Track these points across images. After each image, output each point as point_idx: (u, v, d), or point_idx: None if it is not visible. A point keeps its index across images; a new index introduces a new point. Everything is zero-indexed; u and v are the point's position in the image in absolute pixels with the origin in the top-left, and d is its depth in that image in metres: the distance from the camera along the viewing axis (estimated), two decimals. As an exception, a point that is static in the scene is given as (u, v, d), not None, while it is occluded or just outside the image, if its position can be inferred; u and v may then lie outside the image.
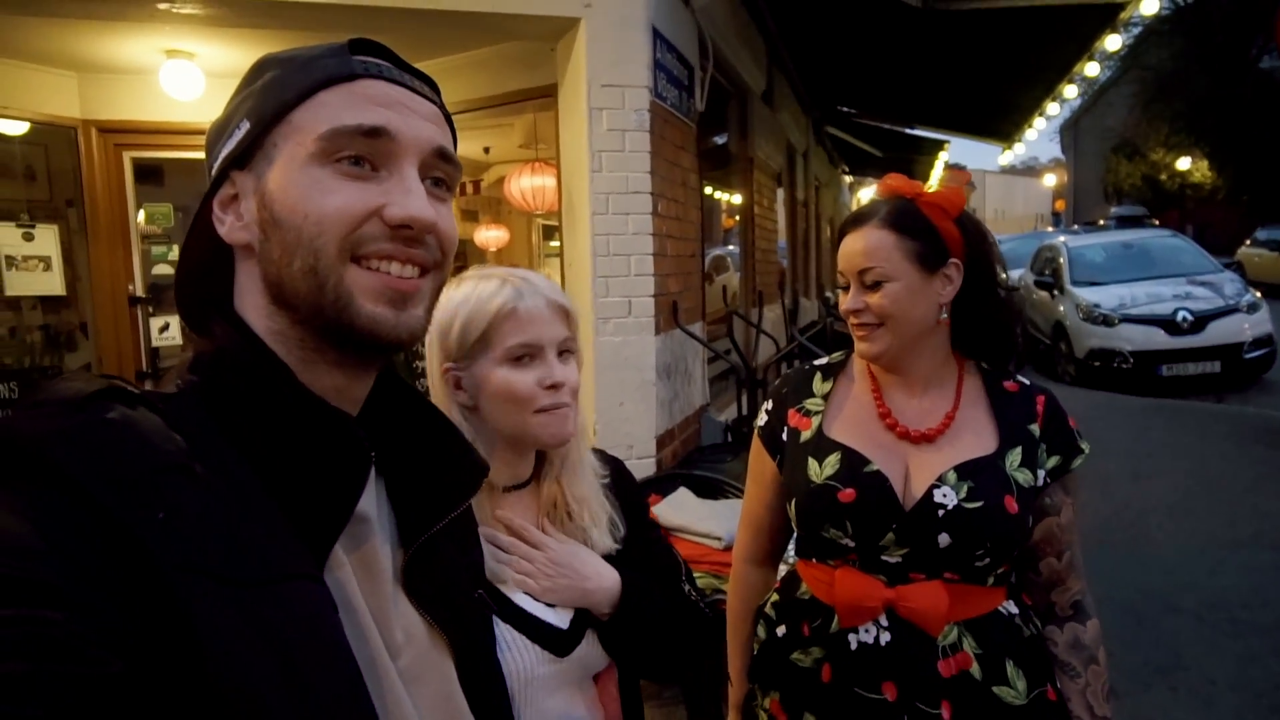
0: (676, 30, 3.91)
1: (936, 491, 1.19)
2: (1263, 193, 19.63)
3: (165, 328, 4.25)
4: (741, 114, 6.33)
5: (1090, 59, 5.77)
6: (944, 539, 1.18)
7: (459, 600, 0.73)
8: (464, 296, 1.02)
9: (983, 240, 1.29)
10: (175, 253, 4.30)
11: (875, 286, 1.23)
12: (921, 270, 1.23)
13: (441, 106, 0.67)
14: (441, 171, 0.64)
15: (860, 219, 1.28)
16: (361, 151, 0.60)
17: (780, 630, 1.31)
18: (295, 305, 0.60)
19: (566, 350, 1.04)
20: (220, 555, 0.49)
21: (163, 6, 2.98)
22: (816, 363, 1.41)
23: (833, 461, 1.24)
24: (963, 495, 1.18)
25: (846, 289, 1.29)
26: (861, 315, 1.25)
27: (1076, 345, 8.57)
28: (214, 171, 0.64)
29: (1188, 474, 5.13)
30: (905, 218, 1.24)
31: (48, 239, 4.05)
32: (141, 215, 4.27)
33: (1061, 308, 9.03)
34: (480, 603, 0.79)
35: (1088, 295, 8.69)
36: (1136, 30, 18.48)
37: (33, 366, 4.14)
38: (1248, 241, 16.61)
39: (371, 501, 0.65)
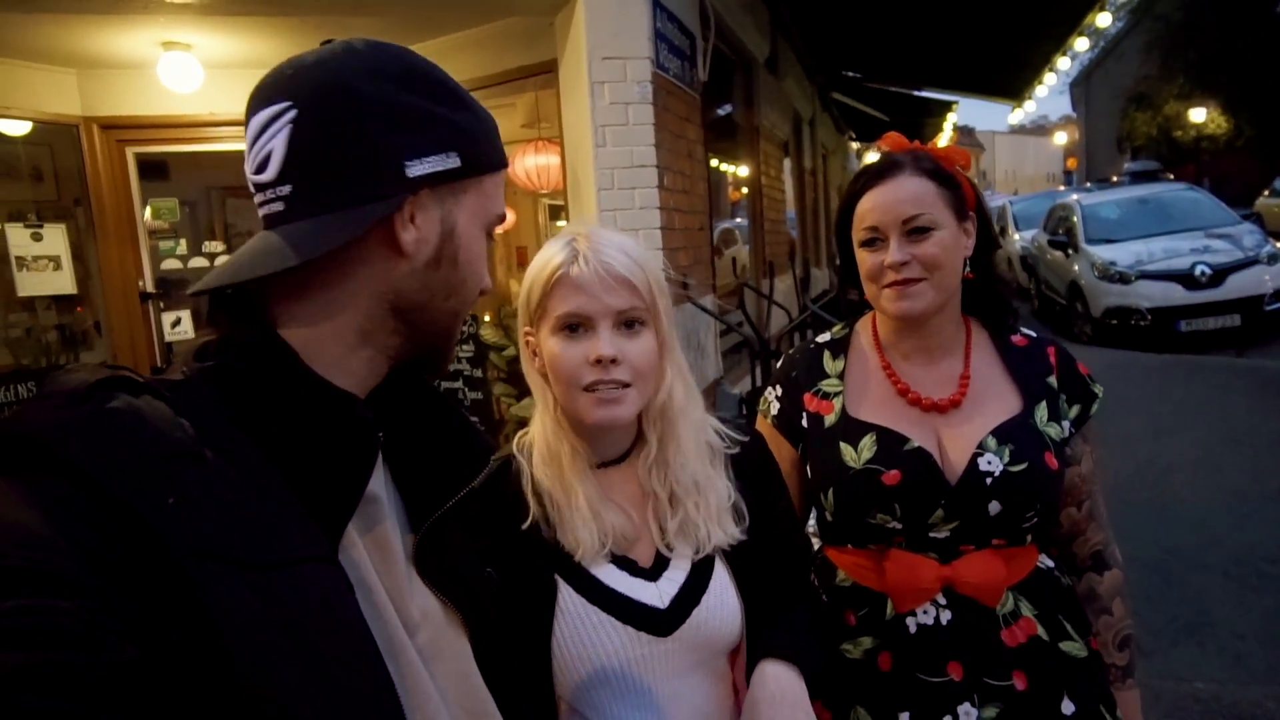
0: (676, -2, 3.84)
1: (980, 460, 1.15)
2: (1281, 142, 19.23)
3: (177, 322, 4.27)
4: (746, 83, 6.24)
5: (1102, 9, 5.64)
6: (994, 507, 1.14)
7: (471, 580, 0.74)
8: (538, 256, 0.96)
9: (981, 198, 1.27)
10: (183, 247, 4.32)
11: (922, 234, 1.15)
12: (957, 220, 1.18)
13: None
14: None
15: (886, 170, 1.20)
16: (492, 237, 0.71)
17: None
18: (417, 325, 0.66)
19: (632, 321, 0.93)
20: (232, 539, 0.50)
21: (156, -3, 2.95)
22: (820, 340, 1.35)
23: (868, 444, 1.18)
24: (1006, 460, 1.14)
25: (875, 244, 1.19)
26: (906, 269, 1.16)
27: (1093, 304, 8.45)
28: (403, 176, 0.62)
29: (1210, 429, 5.07)
30: (935, 166, 1.19)
31: (56, 238, 4.06)
32: (148, 211, 4.27)
33: (1076, 267, 8.91)
34: (490, 581, 0.80)
35: (1103, 253, 8.55)
36: (1147, -22, 18.08)
37: (50, 366, 4.17)
38: (1265, 192, 16.30)
39: (380, 483, 0.67)
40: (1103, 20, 6.02)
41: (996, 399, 1.21)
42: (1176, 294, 7.81)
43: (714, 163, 5.78)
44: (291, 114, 0.60)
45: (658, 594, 0.97)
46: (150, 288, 4.22)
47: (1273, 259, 7.85)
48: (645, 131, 3.43)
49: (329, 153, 0.60)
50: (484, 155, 0.67)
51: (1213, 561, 3.39)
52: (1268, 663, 2.68)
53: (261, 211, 0.63)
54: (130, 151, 4.16)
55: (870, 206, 1.20)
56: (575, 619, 0.95)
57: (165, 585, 0.46)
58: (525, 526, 0.97)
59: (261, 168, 0.61)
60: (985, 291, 1.27)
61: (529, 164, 5.21)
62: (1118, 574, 1.27)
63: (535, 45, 3.77)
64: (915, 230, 1.16)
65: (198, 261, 4.28)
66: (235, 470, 0.53)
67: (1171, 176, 19.27)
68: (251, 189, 0.64)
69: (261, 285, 0.62)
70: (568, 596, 0.96)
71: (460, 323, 0.70)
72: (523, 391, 3.98)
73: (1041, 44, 6.81)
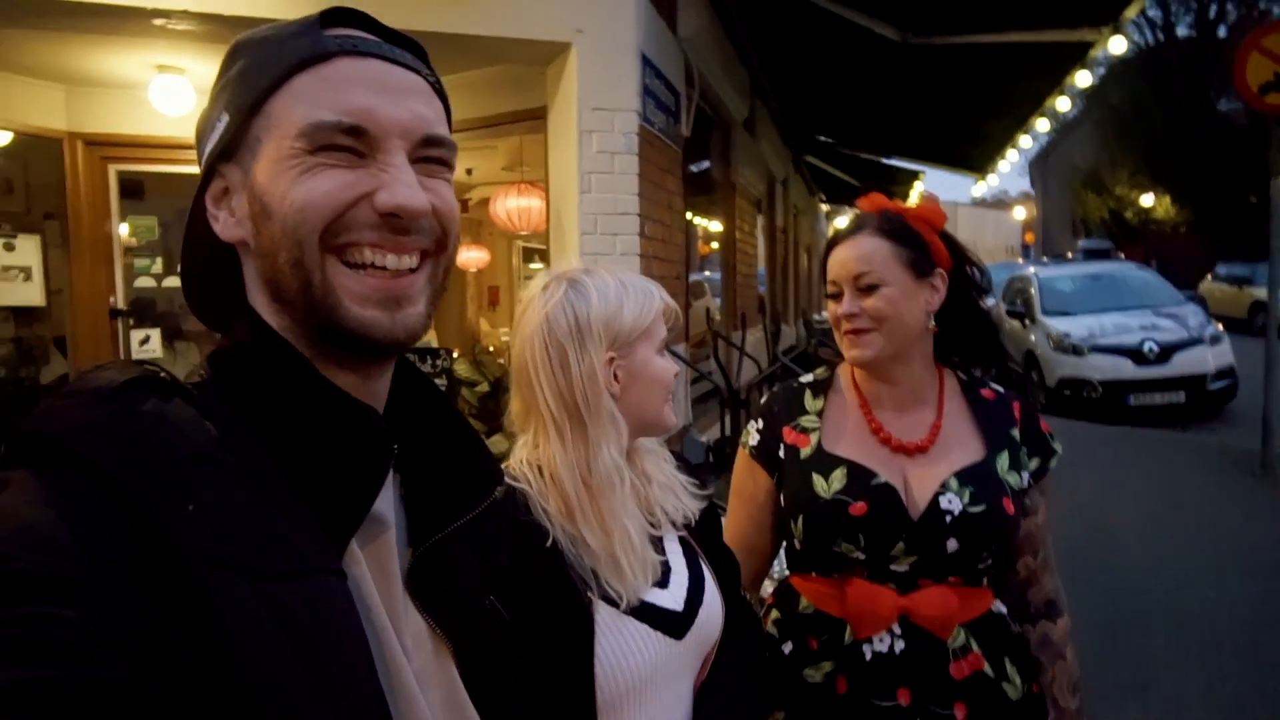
0: (664, 57, 4.00)
1: (942, 498, 1.22)
2: (1223, 229, 20.28)
3: (145, 340, 4.21)
4: (724, 141, 6.46)
5: (1061, 93, 5.98)
6: (952, 544, 1.21)
7: (468, 606, 0.70)
8: (618, 290, 1.04)
9: (963, 254, 1.37)
10: (159, 265, 4.29)
11: (870, 290, 1.27)
12: (913, 276, 1.28)
13: (429, 75, 0.64)
14: (434, 153, 0.62)
15: (853, 230, 1.33)
16: (344, 144, 0.57)
17: (787, 647, 1.31)
18: (289, 301, 0.59)
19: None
20: (247, 548, 0.49)
21: (158, 23, 3.00)
22: (803, 379, 1.43)
23: (839, 476, 1.26)
24: (966, 500, 1.22)
25: (837, 297, 1.32)
26: (856, 320, 1.28)
27: (1047, 374, 8.74)
28: (202, 167, 0.63)
29: (1155, 499, 5.25)
30: (897, 226, 1.30)
31: (29, 249, 4.01)
32: (125, 228, 4.24)
33: (1033, 337, 9.23)
34: (493, 610, 0.74)
35: (1058, 325, 8.88)
36: (1101, 70, 19.15)
37: (8, 378, 4.07)
38: (1209, 276, 17.11)
39: (388, 501, 0.64)
40: (1062, 104, 6.37)
41: (962, 445, 1.29)
42: (1126, 368, 8.11)
43: (689, 215, 5.93)
44: None
45: (672, 598, 1.03)
46: (122, 305, 4.17)
47: (1215, 340, 8.21)
48: (629, 180, 3.54)
49: None
50: (259, 80, 0.58)
51: (1158, 626, 3.50)
52: (1208, 726, 2.76)
53: None
54: (113, 169, 4.15)
55: (833, 262, 1.33)
56: (615, 633, 0.97)
57: (175, 592, 0.45)
58: (548, 545, 0.97)
59: None
60: (962, 342, 1.37)
61: (510, 205, 5.30)
62: (1068, 620, 1.34)
63: (525, 92, 3.89)
64: (866, 286, 1.27)
65: (171, 281, 4.25)
66: (251, 477, 0.53)
67: (1123, 255, 20.14)
68: None
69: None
70: (604, 612, 0.97)
71: (310, 269, 0.57)
72: (493, 428, 3.97)
73: (1005, 121, 7.16)
